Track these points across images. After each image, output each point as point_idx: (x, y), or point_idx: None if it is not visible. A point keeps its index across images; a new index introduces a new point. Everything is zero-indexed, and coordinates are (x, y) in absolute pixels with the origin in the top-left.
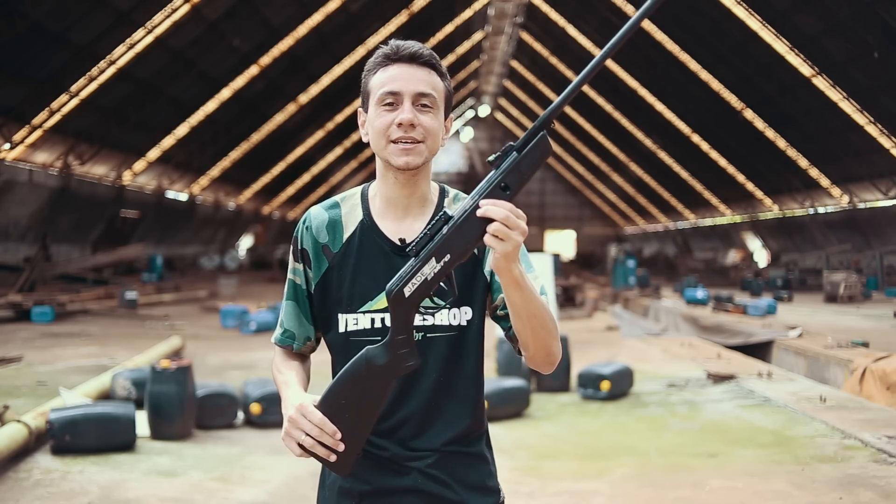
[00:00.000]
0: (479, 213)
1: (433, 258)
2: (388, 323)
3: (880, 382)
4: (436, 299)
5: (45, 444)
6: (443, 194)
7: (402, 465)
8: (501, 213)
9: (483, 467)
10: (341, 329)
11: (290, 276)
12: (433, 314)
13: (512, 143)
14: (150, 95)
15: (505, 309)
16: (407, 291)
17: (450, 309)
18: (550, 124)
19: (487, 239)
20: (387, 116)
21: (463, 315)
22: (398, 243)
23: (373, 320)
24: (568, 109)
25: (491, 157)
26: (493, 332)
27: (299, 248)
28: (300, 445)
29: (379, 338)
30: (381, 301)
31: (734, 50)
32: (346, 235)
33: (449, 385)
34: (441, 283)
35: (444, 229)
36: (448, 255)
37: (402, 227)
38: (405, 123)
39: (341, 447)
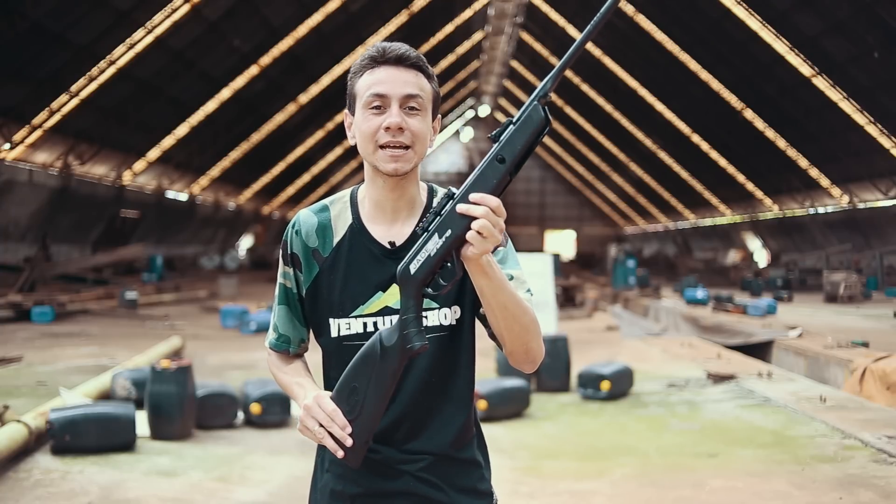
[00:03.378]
0: (459, 209)
1: (436, 234)
2: (379, 327)
3: (880, 382)
4: (441, 280)
5: (45, 444)
6: (431, 194)
7: (394, 468)
8: (481, 210)
9: (475, 472)
10: (333, 334)
11: (280, 279)
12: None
13: (511, 117)
14: (150, 95)
15: None
16: (413, 268)
17: (440, 309)
18: (544, 95)
19: (470, 235)
20: (374, 120)
21: (453, 315)
22: (388, 247)
23: (365, 325)
24: (568, 110)
25: (492, 133)
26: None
27: (289, 252)
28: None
29: None
30: (373, 305)
31: (734, 50)
32: (336, 240)
33: (441, 385)
34: (447, 263)
35: (448, 206)
36: (450, 231)
37: (391, 230)
38: (393, 127)
39: (349, 442)
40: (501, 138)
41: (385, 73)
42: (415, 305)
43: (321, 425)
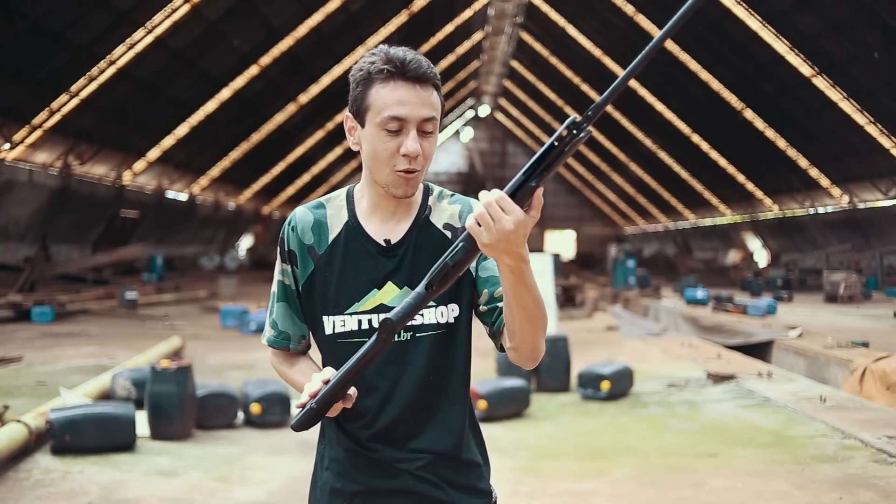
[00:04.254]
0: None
1: (457, 239)
2: (374, 324)
3: (880, 382)
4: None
5: (45, 444)
6: (427, 193)
7: (393, 466)
8: (485, 199)
9: (474, 470)
10: (328, 331)
11: (278, 277)
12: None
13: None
14: (150, 95)
15: (487, 304)
16: (434, 266)
17: (437, 307)
18: (581, 119)
19: (468, 224)
20: (391, 143)
21: (450, 312)
22: (383, 244)
23: (360, 322)
24: (568, 110)
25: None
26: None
27: (286, 249)
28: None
29: (366, 339)
30: (368, 302)
31: (734, 50)
32: (331, 237)
33: (439, 383)
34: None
35: None
36: (465, 234)
37: (386, 228)
38: (412, 155)
39: (305, 398)
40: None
41: (406, 93)
42: (415, 294)
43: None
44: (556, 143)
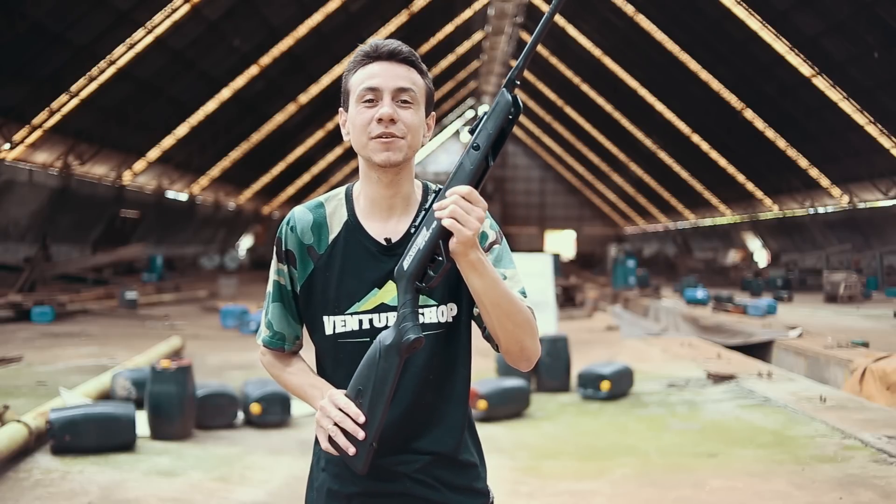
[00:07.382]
0: (435, 206)
1: (424, 228)
2: (375, 324)
3: (880, 382)
4: (430, 273)
5: (45, 444)
6: (426, 191)
7: (391, 469)
8: (451, 198)
9: (471, 471)
10: (328, 331)
11: (273, 277)
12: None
13: (487, 110)
14: (150, 95)
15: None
16: (405, 264)
17: (437, 306)
18: (510, 82)
19: (445, 222)
20: (367, 113)
21: (449, 312)
22: (383, 243)
23: (360, 321)
24: (568, 110)
25: (470, 127)
26: None
27: (283, 249)
28: (329, 438)
29: (367, 339)
30: (369, 302)
31: (734, 50)
32: (331, 237)
33: (439, 383)
34: (437, 256)
35: (432, 200)
36: (435, 223)
37: (387, 227)
38: (385, 118)
39: (361, 434)
40: (475, 128)
41: (378, 68)
42: (410, 301)
43: (335, 423)
44: (511, 117)
